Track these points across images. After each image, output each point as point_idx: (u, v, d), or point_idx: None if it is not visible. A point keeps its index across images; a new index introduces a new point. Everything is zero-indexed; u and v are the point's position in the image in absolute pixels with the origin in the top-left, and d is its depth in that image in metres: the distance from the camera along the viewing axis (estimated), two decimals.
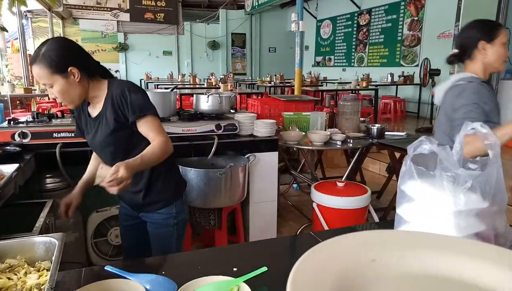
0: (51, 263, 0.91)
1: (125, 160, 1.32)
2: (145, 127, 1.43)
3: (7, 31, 4.33)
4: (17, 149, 2.20)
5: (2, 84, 5.45)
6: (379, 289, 0.51)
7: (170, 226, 1.59)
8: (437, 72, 6.29)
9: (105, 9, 11.66)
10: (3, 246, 0.96)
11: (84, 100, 1.49)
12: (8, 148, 2.21)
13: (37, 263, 0.95)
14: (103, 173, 1.39)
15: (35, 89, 6.02)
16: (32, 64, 1.35)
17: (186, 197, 1.71)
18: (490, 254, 0.57)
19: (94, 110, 1.50)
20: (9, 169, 1.78)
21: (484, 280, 0.52)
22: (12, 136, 2.30)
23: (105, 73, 1.51)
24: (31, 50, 10.18)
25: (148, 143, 1.43)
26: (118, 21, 11.93)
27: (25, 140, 2.31)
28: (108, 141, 1.47)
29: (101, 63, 1.51)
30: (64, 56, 1.35)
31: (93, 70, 1.45)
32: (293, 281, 0.46)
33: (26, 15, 10.58)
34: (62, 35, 11.33)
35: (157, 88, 7.42)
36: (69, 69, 1.35)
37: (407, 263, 0.55)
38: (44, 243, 0.96)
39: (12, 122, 2.46)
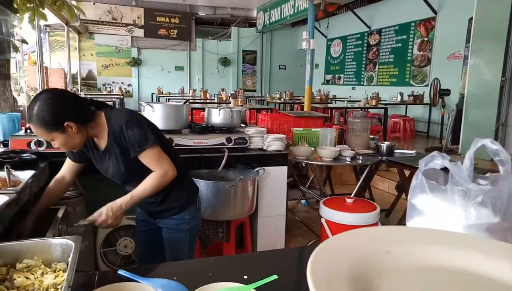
0: (67, 264, 0.93)
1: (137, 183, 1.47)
2: (145, 160, 1.48)
3: (27, 43, 4.49)
4: (33, 156, 2.24)
5: (19, 95, 5.60)
6: (392, 279, 0.52)
7: (183, 232, 1.63)
8: (447, 92, 6.30)
9: (120, 24, 11.99)
10: (21, 247, 0.98)
11: None
12: (25, 155, 2.26)
13: (53, 264, 0.97)
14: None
15: None
16: (29, 123, 1.37)
17: (200, 204, 1.76)
18: (501, 249, 0.58)
19: (101, 143, 1.52)
20: (25, 175, 1.83)
21: (497, 273, 0.53)
22: (28, 144, 2.36)
23: (100, 106, 1.52)
24: (47, 63, 10.48)
25: None
26: (132, 37, 12.25)
27: (41, 149, 2.37)
28: (120, 176, 1.55)
29: (97, 98, 1.55)
30: (57, 114, 1.34)
31: (89, 116, 1.45)
32: (312, 268, 0.47)
33: (45, 29, 10.93)
34: (77, 49, 11.66)
35: (168, 102, 7.54)
36: (65, 124, 1.35)
37: (419, 256, 0.56)
38: (60, 245, 0.98)
39: (28, 130, 2.52)
